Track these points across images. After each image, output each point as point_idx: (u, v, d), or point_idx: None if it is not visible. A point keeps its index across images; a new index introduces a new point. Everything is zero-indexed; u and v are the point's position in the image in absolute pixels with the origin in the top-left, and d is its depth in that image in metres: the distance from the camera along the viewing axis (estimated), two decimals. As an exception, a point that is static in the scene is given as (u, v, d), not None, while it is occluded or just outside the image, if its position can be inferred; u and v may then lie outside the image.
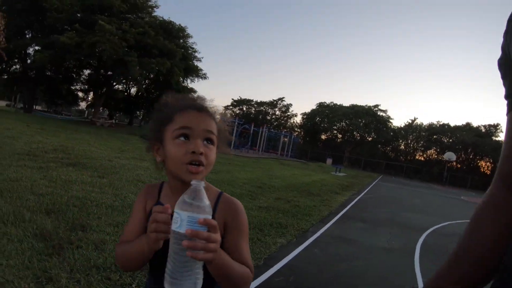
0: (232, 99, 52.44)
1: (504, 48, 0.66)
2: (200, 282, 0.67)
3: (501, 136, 42.54)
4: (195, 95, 1.02)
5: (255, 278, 2.79)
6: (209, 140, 0.85)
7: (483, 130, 44.17)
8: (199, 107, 0.88)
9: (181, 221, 0.64)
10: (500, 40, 0.68)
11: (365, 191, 13.29)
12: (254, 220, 4.64)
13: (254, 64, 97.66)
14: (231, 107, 51.72)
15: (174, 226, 0.65)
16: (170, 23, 27.52)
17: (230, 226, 0.87)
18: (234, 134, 25.20)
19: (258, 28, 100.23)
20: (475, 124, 45.20)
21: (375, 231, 5.83)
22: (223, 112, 0.99)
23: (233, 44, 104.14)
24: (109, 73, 26.29)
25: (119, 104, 34.47)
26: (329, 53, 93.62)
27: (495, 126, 43.67)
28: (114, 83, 29.08)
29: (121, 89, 32.53)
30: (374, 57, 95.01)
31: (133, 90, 33.47)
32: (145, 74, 26.57)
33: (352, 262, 3.80)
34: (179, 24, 28.20)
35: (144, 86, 30.22)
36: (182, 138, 0.82)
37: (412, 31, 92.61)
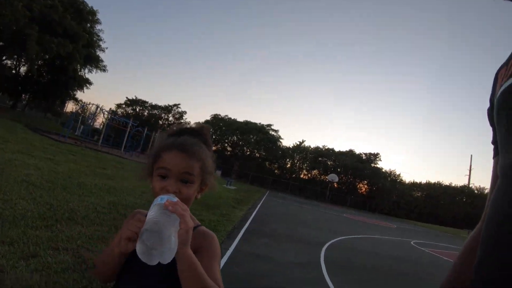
0: (127, 97, 49.07)
1: (491, 99, 0.82)
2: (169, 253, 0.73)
3: (380, 164, 49.32)
4: (183, 125, 1.13)
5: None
6: (186, 181, 0.93)
7: (364, 157, 50.30)
8: (182, 148, 0.94)
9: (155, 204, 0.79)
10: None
11: (259, 205, 13.80)
12: None
13: (154, 66, 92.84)
14: (124, 105, 48.52)
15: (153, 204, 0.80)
16: (82, 3, 24.86)
17: (203, 251, 0.93)
18: (126, 136, 23.66)
19: (165, 29, 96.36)
20: (357, 151, 51.07)
21: (280, 247, 6.05)
22: (209, 147, 1.05)
23: (139, 41, 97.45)
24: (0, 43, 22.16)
25: (3, 83, 28.51)
26: (228, 67, 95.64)
27: (375, 155, 50.17)
28: (4, 57, 24.48)
29: (9, 65, 26.96)
30: (270, 79, 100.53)
31: (23, 69, 28.26)
32: (42, 53, 23.00)
33: (272, 278, 3.89)
34: (91, 7, 25.65)
35: (36, 67, 25.39)
36: (160, 177, 0.93)
37: (303, 53, 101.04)
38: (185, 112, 51.76)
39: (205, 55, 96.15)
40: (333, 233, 9.78)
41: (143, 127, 27.54)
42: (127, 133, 23.67)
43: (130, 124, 23.89)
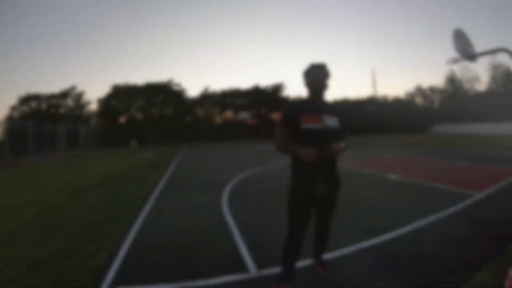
0: (19, 96, 44.68)
1: (292, 123, 2.54)
2: None
3: (286, 92, 52.09)
4: None
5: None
6: None
7: (270, 90, 52.42)
8: None
9: None
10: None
11: (175, 163, 14.72)
12: (89, 220, 5.15)
13: (37, 52, 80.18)
14: (18, 106, 44.08)
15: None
16: None
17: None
18: (30, 138, 22.10)
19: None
20: (262, 85, 52.81)
21: (190, 196, 7.01)
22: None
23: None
24: None
25: None
26: (111, 30, 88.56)
27: (280, 85, 52.42)
28: None
29: None
30: (161, 31, 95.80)
31: None
32: None
33: (180, 224, 4.90)
34: None
35: None
36: None
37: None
38: (84, 92, 48.54)
39: (81, 22, 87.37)
40: (243, 169, 11.20)
41: (44, 123, 25.56)
42: (30, 135, 22.19)
43: (29, 126, 22.34)
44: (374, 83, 57.98)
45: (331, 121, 2.49)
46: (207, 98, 50.01)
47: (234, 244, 3.88)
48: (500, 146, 17.02)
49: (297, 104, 2.60)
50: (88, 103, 48.98)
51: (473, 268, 2.99)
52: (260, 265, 3.25)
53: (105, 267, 3.35)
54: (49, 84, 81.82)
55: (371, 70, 63.61)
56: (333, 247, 3.59)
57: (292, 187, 2.61)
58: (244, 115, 44.59)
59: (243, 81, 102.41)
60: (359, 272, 3.04)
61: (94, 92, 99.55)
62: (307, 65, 2.63)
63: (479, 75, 61.55)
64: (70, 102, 47.98)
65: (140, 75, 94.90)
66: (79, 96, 48.34)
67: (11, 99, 44.29)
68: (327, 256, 3.36)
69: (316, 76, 2.54)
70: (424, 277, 2.92)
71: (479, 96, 52.54)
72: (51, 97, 46.47)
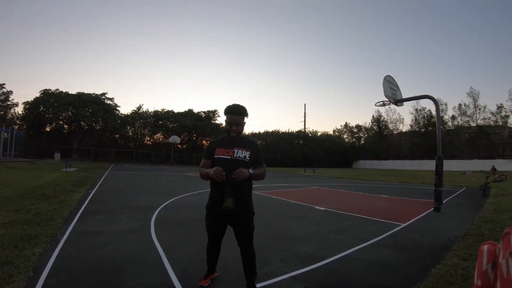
0: None
1: (210, 156, 3.07)
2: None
3: (218, 120, 52.31)
4: None
5: None
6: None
7: (203, 115, 52.14)
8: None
9: None
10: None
11: (99, 183, 13.92)
12: (4, 239, 4.58)
13: None
14: None
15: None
16: None
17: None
18: None
19: None
20: (196, 110, 52.57)
21: (115, 219, 6.67)
22: None
23: None
24: None
25: None
26: (56, 34, 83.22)
27: (214, 112, 52.48)
28: None
29: None
30: (102, 44, 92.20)
31: None
32: None
33: (104, 248, 4.57)
34: None
35: None
36: None
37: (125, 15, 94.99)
38: (11, 92, 44.27)
39: (24, 24, 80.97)
40: (171, 194, 10.85)
41: None
42: None
43: None
44: (304, 118, 60.81)
45: (241, 153, 2.96)
46: (139, 117, 48.42)
47: (165, 271, 3.73)
48: (420, 181, 18.65)
49: (217, 140, 3.15)
50: (14, 105, 44.76)
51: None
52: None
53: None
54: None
55: (303, 105, 67.05)
56: (265, 276, 3.62)
57: (207, 205, 3.11)
58: (175, 139, 43.74)
59: (177, 105, 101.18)
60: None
61: (22, 94, 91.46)
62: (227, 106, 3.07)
63: (403, 117, 68.05)
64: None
65: (73, 85, 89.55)
66: (5, 95, 44.09)
67: None
68: (261, 284, 3.38)
69: (228, 118, 3.01)
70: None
71: (402, 135, 58.04)
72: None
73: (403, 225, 6.60)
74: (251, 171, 2.93)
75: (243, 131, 3.14)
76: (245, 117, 3.07)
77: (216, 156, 2.97)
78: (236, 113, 2.99)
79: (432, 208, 8.32)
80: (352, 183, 17.88)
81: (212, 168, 2.84)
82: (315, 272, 3.84)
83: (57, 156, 34.77)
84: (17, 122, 44.38)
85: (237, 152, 2.97)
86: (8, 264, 3.63)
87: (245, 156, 2.97)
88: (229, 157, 2.95)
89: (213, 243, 3.20)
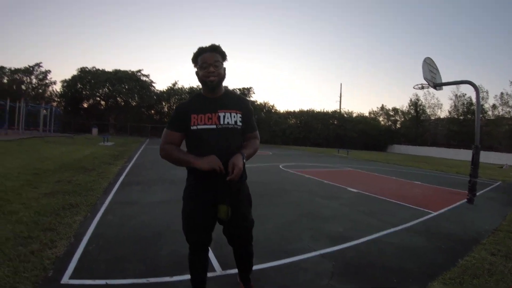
0: None
1: (180, 124, 2.17)
2: None
3: (253, 97, 52.30)
4: None
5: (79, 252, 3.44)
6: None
7: (239, 92, 52.20)
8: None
9: None
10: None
11: (136, 156, 14.41)
12: (47, 207, 4.85)
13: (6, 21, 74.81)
14: None
15: None
16: None
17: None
18: None
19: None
20: (231, 87, 52.72)
21: (150, 190, 6.98)
22: None
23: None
24: None
25: None
26: (91, 14, 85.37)
27: (248, 89, 52.49)
28: None
29: None
30: (137, 23, 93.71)
31: None
32: None
33: (140, 217, 4.83)
34: None
35: None
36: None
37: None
38: (49, 71, 45.88)
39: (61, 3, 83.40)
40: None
41: (4, 99, 24.01)
42: None
43: None
44: (340, 98, 59.34)
45: (229, 117, 2.11)
46: (174, 93, 49.16)
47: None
48: (455, 170, 18.02)
49: (188, 101, 2.21)
50: (52, 83, 46.64)
51: (428, 278, 3.21)
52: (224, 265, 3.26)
53: (66, 256, 3.23)
54: (14, 58, 76.91)
55: (339, 85, 65.53)
56: (294, 252, 3.68)
57: (184, 196, 2.27)
58: None
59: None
60: (321, 276, 3.13)
61: (60, 73, 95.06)
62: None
63: (442, 102, 64.98)
64: (33, 79, 45.42)
65: (109, 62, 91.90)
66: (44, 75, 45.77)
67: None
68: (289, 259, 3.45)
69: (200, 61, 2.11)
70: (381, 283, 3.06)
71: (440, 121, 55.53)
72: (15, 71, 43.57)
73: (435, 213, 6.43)
74: (245, 155, 2.08)
75: (223, 81, 2.16)
76: (224, 60, 2.15)
77: (194, 127, 2.07)
78: (210, 49, 2.08)
79: (465, 199, 8.02)
80: (386, 167, 17.49)
81: (189, 154, 2.07)
82: (343, 252, 3.87)
83: (95, 131, 36.13)
84: (56, 99, 46.06)
85: (224, 116, 2.09)
86: (50, 231, 3.87)
87: (235, 122, 2.13)
88: (214, 126, 2.07)
89: (198, 249, 2.27)
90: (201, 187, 2.08)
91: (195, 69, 2.15)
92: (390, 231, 4.91)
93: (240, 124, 2.14)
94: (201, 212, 2.14)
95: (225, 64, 2.15)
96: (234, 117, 2.12)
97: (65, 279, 2.77)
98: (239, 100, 2.24)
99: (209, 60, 2.04)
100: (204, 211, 2.13)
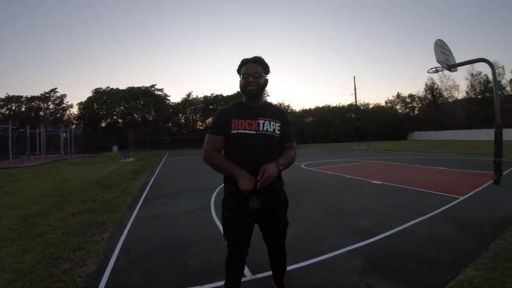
0: None
1: (223, 128, 2.19)
2: None
3: (268, 99, 52.26)
4: None
5: (106, 271, 3.53)
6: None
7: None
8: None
9: None
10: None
11: (157, 170, 14.55)
12: (75, 227, 4.97)
13: (15, 53, 78.31)
14: None
15: None
16: None
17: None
18: (10, 141, 21.46)
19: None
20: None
21: (175, 201, 7.04)
22: None
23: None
24: None
25: None
26: (102, 37, 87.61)
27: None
28: None
29: None
30: (147, 39, 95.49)
31: None
32: None
33: (167, 228, 4.89)
34: None
35: None
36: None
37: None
38: (65, 95, 47.55)
39: (68, 28, 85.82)
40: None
41: (24, 126, 24.78)
42: (10, 138, 21.50)
43: (10, 128, 21.61)
44: (355, 91, 58.67)
45: (268, 125, 2.21)
46: (189, 104, 49.69)
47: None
48: (478, 152, 17.54)
49: (229, 107, 2.30)
50: (69, 106, 48.07)
51: (460, 265, 3.15)
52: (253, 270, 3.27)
53: (96, 272, 3.31)
54: (29, 87, 79.82)
55: (353, 78, 64.77)
56: (324, 250, 3.67)
57: (224, 201, 2.32)
58: None
59: (226, 90, 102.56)
60: (351, 272, 3.11)
61: (75, 96, 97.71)
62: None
63: (458, 83, 63.49)
64: (50, 105, 47.03)
65: (122, 81, 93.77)
66: (60, 99, 47.41)
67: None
68: (319, 258, 3.44)
69: (243, 70, 2.23)
70: (413, 275, 3.02)
71: (458, 103, 54.09)
72: (31, 99, 45.30)
73: (461, 198, 6.30)
74: (280, 163, 2.12)
75: (264, 92, 2.16)
76: (266, 72, 2.27)
77: (234, 131, 2.16)
78: (252, 61, 2.21)
79: (492, 181, 7.80)
80: (408, 156, 17.20)
81: (234, 166, 2.09)
82: (372, 246, 3.83)
83: (115, 148, 36.91)
84: (74, 121, 47.41)
85: (264, 123, 2.20)
86: (80, 250, 3.95)
87: (274, 130, 2.22)
88: (254, 132, 2.17)
89: (238, 253, 2.32)
90: (242, 195, 2.08)
91: (239, 79, 2.25)
92: (418, 220, 4.84)
93: (278, 133, 2.25)
94: (241, 219, 2.20)
95: (268, 76, 2.28)
96: (273, 125, 2.22)
97: (98, 295, 2.82)
98: (278, 111, 2.36)
99: (250, 71, 2.16)
100: (244, 218, 2.20)
